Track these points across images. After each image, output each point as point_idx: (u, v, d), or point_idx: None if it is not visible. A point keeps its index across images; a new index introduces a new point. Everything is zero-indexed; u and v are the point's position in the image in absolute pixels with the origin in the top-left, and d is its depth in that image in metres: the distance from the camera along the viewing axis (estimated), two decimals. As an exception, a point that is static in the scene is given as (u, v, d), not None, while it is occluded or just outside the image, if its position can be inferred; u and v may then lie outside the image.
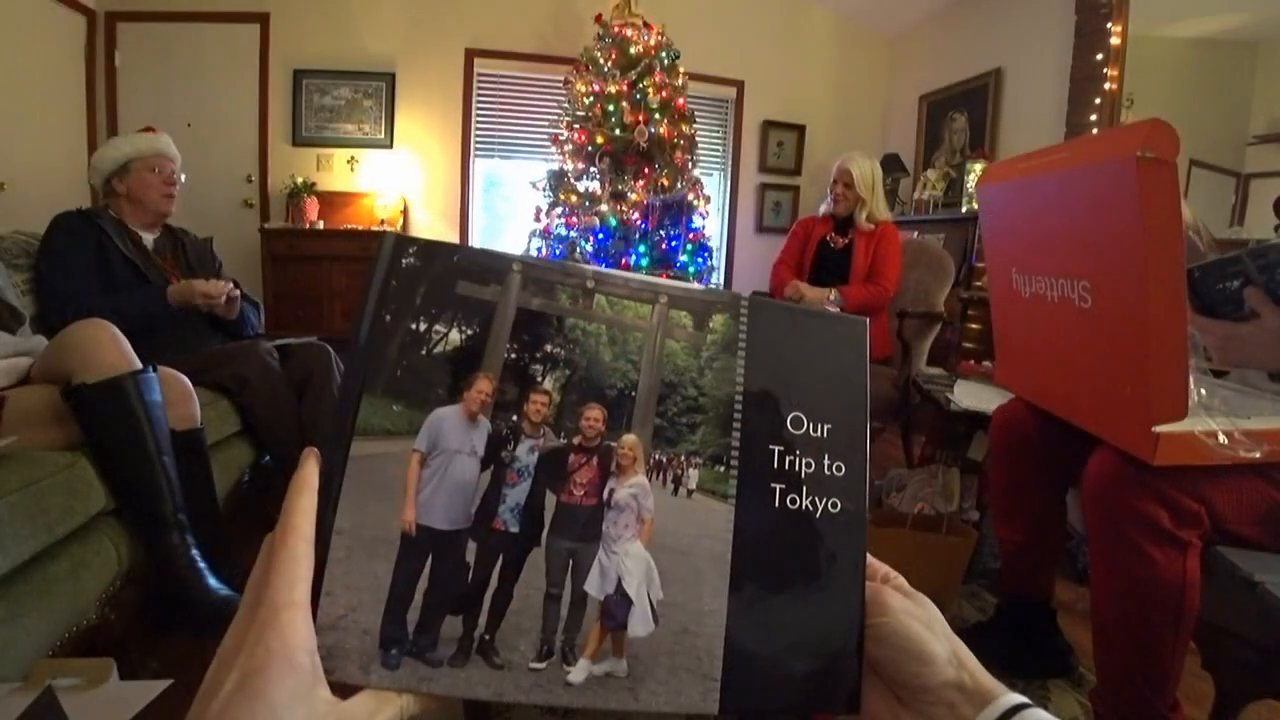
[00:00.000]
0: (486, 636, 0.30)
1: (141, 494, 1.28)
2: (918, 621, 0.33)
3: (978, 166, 3.92)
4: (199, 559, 1.30)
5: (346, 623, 0.29)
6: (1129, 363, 0.93)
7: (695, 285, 0.36)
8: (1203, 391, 0.97)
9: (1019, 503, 1.38)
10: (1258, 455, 0.91)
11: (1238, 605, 0.96)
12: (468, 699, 0.29)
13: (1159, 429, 0.90)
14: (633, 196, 3.74)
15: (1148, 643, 0.99)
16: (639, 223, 3.76)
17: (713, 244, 4.28)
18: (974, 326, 3.44)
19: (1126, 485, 0.98)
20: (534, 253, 3.83)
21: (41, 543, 1.08)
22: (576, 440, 0.33)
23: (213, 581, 1.29)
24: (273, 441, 1.83)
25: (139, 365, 1.33)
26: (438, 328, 0.33)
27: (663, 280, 0.36)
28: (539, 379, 0.33)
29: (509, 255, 0.34)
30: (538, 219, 3.94)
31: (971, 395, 1.93)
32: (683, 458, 0.33)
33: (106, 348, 1.31)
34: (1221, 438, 0.91)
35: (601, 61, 3.82)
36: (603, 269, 0.35)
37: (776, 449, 0.34)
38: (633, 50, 3.80)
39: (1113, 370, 0.98)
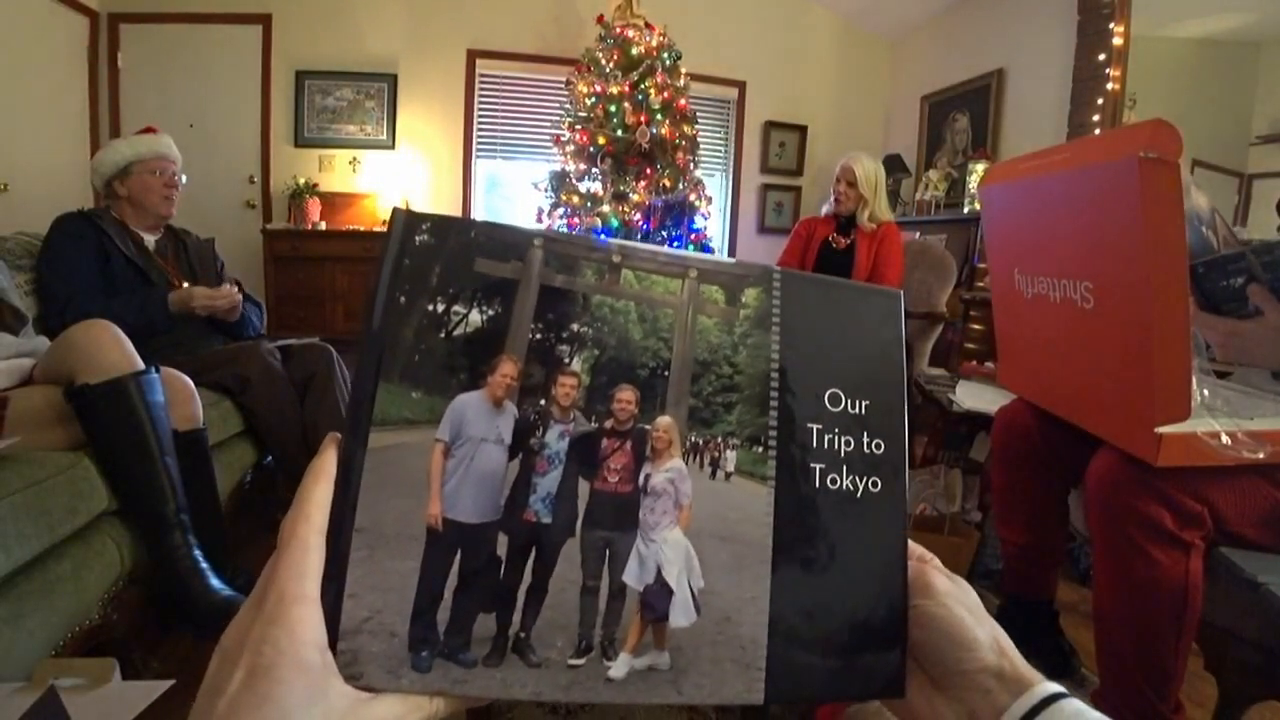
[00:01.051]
0: (522, 634, 0.29)
1: (144, 494, 1.27)
2: (961, 605, 0.32)
3: (979, 167, 3.92)
4: (201, 559, 1.30)
5: (372, 625, 0.27)
6: (1131, 364, 0.92)
7: (725, 258, 0.35)
8: (1205, 392, 0.96)
9: (1021, 504, 1.38)
10: (1261, 456, 0.91)
11: (1240, 607, 0.96)
12: (501, 699, 0.28)
13: (1161, 430, 0.90)
14: (634, 197, 3.74)
15: (1150, 644, 0.98)
16: (641, 224, 3.76)
17: (714, 245, 4.28)
18: (976, 327, 3.43)
19: (1129, 486, 0.97)
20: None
21: (44, 543, 1.08)
22: (608, 424, 0.31)
23: (215, 582, 1.29)
24: (274, 442, 1.83)
25: (141, 366, 1.33)
26: (456, 308, 0.30)
27: (691, 253, 0.34)
28: (566, 360, 0.31)
29: (529, 229, 0.32)
30: (539, 220, 3.94)
31: (973, 396, 1.93)
32: (719, 439, 0.32)
33: (109, 348, 1.31)
34: (1224, 439, 0.90)
35: (603, 62, 3.82)
36: (628, 242, 0.33)
37: (815, 428, 0.32)
38: (634, 51, 3.80)
39: (1115, 371, 0.97)
